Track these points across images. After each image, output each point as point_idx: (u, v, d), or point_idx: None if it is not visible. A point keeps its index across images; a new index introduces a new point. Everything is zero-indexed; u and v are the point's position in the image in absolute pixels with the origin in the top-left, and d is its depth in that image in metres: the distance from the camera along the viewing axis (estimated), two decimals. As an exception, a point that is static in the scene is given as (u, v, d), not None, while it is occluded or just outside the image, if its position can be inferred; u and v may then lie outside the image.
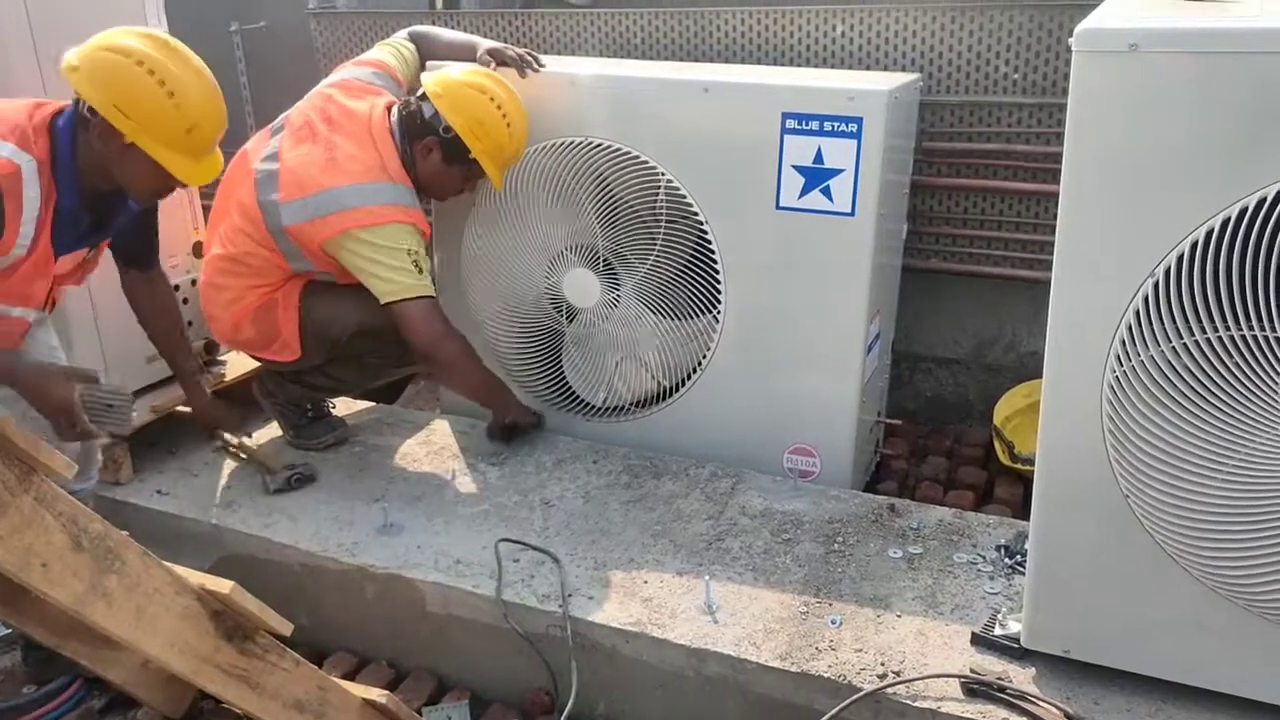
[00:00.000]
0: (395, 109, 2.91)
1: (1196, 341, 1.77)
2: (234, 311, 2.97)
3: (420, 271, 2.79)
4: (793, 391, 2.95)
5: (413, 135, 2.86)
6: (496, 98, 2.83)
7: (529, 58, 3.01)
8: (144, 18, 3.04)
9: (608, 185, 2.95)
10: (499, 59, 3.01)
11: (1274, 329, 1.71)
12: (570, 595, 2.45)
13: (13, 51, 2.74)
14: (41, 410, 2.27)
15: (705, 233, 2.90)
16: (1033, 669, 2.14)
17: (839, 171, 2.70)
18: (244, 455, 3.12)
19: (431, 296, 2.83)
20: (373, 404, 3.53)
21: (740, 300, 2.93)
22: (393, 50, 3.13)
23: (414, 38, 3.19)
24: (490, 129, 2.82)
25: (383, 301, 2.80)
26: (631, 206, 2.94)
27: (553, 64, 3.07)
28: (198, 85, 2.29)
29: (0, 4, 2.71)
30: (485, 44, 3.08)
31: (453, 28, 3.70)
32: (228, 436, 3.17)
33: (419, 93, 2.90)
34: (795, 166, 2.74)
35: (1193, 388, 1.79)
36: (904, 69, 3.35)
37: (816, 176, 2.73)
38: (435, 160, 2.86)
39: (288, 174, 2.81)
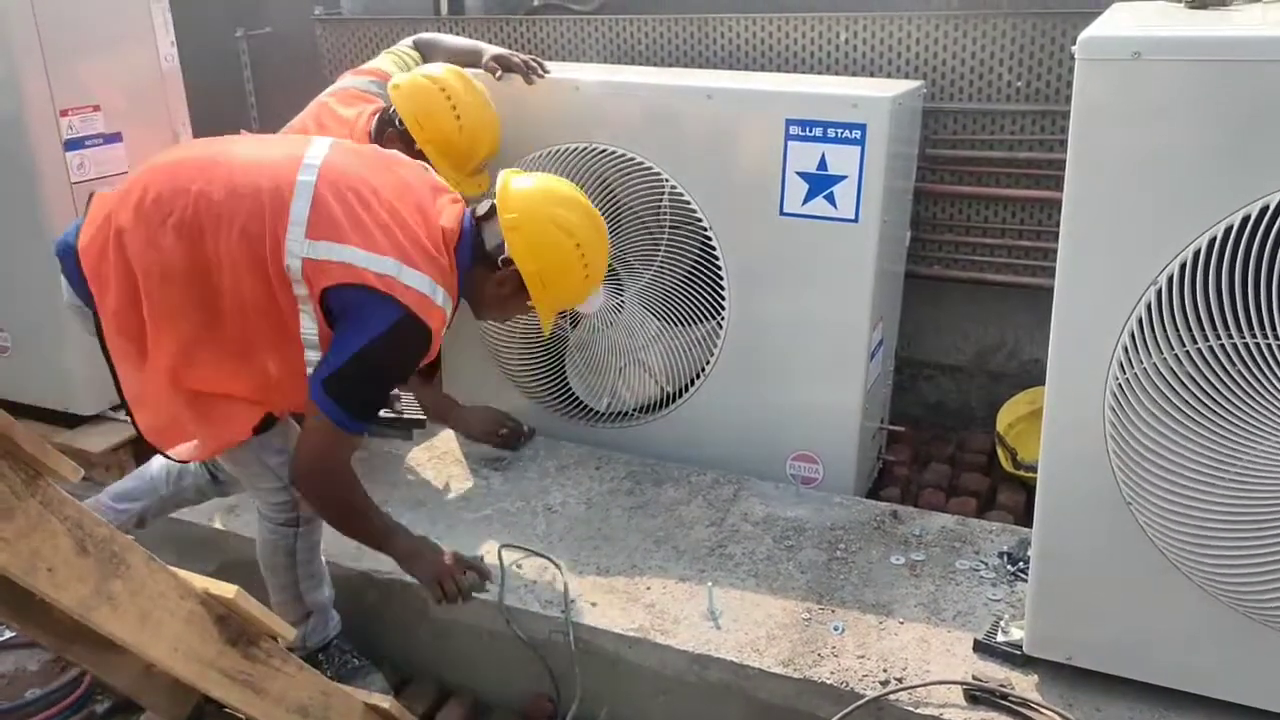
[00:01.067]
0: (379, 113, 2.90)
1: (1199, 349, 1.77)
2: None
3: None
4: (795, 398, 2.95)
5: (380, 132, 2.85)
6: (449, 89, 2.78)
7: (534, 64, 3.02)
8: (151, 24, 3.06)
9: (612, 191, 2.96)
10: (504, 65, 3.01)
11: (1276, 336, 1.71)
12: (573, 601, 2.45)
13: (19, 57, 2.76)
14: (419, 575, 2.42)
15: (709, 239, 2.90)
16: (1035, 676, 2.14)
17: (842, 178, 2.71)
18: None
19: None
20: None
21: (744, 306, 2.93)
22: (395, 58, 3.13)
23: (418, 45, 3.20)
24: (435, 119, 2.76)
25: None
26: (635, 212, 2.94)
27: (557, 70, 3.08)
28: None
29: (9, 8, 2.73)
30: (490, 50, 3.09)
31: (458, 34, 3.71)
32: None
33: None
34: (799, 173, 2.75)
35: (1195, 395, 1.79)
36: (907, 76, 3.35)
37: (820, 183, 2.74)
38: (394, 148, 2.82)
39: None
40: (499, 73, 3.00)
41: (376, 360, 2.11)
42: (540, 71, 3.01)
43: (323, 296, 2.10)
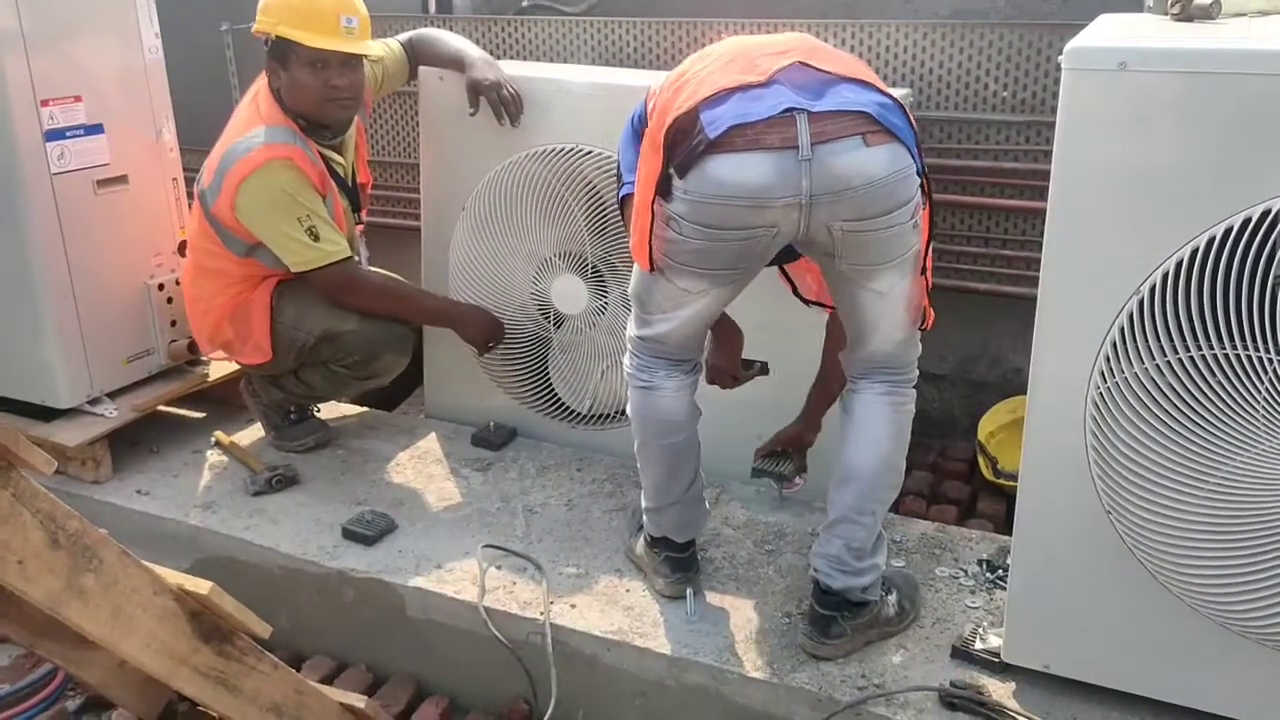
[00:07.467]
0: None
1: (1180, 359, 1.78)
2: (211, 319, 2.98)
3: (316, 238, 2.74)
4: (778, 402, 2.95)
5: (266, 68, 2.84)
6: None
7: (514, 105, 2.95)
8: (135, 15, 3.04)
9: (598, 193, 2.95)
10: (474, 95, 2.97)
11: (1257, 348, 1.72)
12: (552, 603, 2.44)
13: (4, 50, 2.73)
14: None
15: (694, 242, 2.89)
16: (1013, 683, 2.14)
17: (828, 184, 2.70)
18: (232, 453, 3.12)
19: (334, 261, 2.78)
20: (361, 408, 3.50)
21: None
22: (381, 45, 3.10)
23: (412, 40, 3.17)
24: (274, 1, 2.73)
25: (294, 270, 2.80)
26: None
27: (544, 71, 3.07)
28: None
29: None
30: (476, 61, 3.01)
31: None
32: (219, 434, 3.18)
33: None
34: (785, 178, 2.74)
35: (1175, 405, 1.80)
36: (894, 84, 3.36)
37: (806, 188, 2.73)
38: (279, 75, 2.79)
39: (208, 160, 2.86)
40: (472, 110, 2.98)
41: None
42: (515, 118, 2.96)
43: None
